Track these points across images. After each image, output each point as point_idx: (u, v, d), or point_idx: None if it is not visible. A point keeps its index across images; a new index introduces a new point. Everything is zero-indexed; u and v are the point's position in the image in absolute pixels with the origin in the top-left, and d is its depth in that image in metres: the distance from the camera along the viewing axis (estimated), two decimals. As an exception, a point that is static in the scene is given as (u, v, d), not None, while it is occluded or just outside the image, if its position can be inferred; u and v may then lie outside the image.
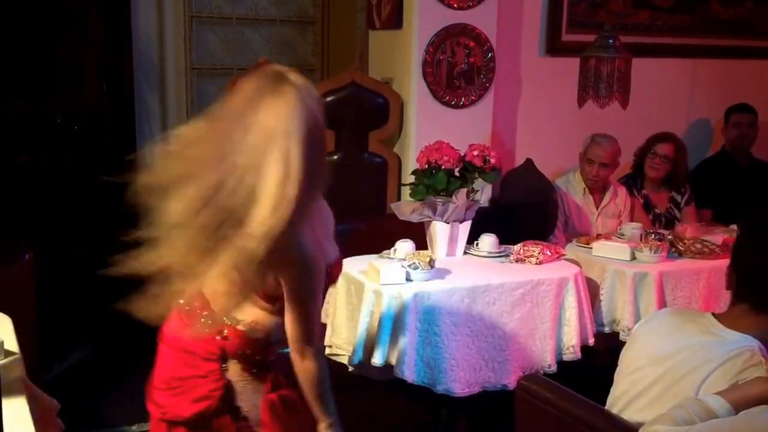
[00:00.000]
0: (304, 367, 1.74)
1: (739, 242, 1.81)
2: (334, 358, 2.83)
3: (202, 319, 1.78)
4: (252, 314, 1.76)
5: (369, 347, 2.70)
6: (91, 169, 3.96)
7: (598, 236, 3.44)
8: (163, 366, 1.92)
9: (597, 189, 3.83)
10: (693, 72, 4.43)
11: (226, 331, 1.78)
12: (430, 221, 3.06)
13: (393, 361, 2.67)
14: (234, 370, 1.82)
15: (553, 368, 2.88)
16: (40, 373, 2.76)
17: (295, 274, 1.66)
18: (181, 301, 1.78)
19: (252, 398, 1.83)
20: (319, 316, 1.77)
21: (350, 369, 2.79)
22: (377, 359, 2.66)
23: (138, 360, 3.80)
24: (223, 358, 1.81)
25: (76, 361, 3.67)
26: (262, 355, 1.83)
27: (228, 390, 1.81)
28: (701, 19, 4.37)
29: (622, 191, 3.89)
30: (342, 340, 2.82)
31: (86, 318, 3.79)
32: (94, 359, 3.76)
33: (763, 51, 4.54)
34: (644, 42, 4.18)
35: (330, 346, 2.86)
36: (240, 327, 1.77)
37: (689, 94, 4.46)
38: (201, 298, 1.78)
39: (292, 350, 1.74)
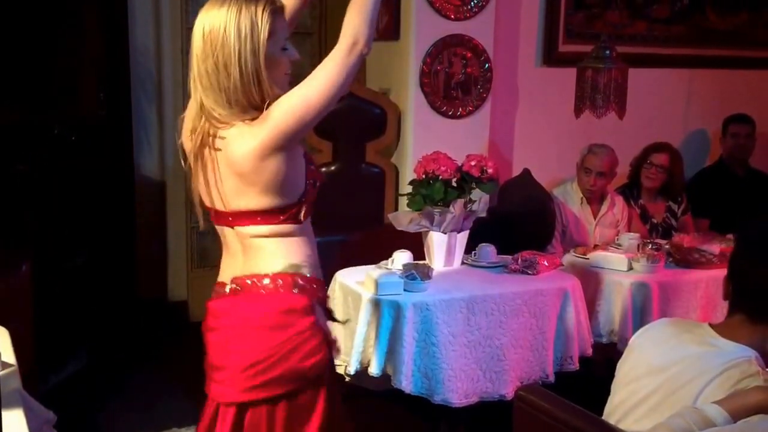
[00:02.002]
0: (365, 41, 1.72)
1: (736, 253, 1.81)
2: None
3: (267, 285, 1.79)
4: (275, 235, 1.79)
5: (366, 358, 2.70)
6: (89, 179, 3.96)
7: (596, 246, 3.45)
8: (239, 349, 1.81)
9: (594, 199, 3.83)
10: (689, 82, 4.44)
11: (299, 280, 1.80)
12: (428, 231, 3.06)
13: (390, 371, 2.67)
14: (320, 316, 1.84)
15: (551, 379, 2.88)
16: (36, 384, 2.75)
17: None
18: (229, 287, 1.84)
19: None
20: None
21: (347, 379, 2.78)
22: (374, 370, 2.66)
23: (134, 370, 3.84)
24: (310, 308, 1.80)
25: (72, 372, 3.66)
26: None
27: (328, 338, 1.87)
28: (697, 30, 4.39)
29: (620, 201, 3.89)
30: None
31: (82, 328, 3.78)
32: (90, 370, 3.75)
33: (759, 61, 4.56)
34: (641, 52, 4.19)
35: (327, 357, 2.86)
36: (303, 271, 1.81)
37: (686, 104, 4.48)
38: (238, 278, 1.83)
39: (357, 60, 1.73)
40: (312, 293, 1.82)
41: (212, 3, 1.75)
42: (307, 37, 4.74)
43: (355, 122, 3.74)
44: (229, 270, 1.88)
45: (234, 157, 1.74)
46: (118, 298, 4.18)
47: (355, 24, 1.71)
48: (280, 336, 1.77)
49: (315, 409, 1.82)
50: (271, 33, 1.72)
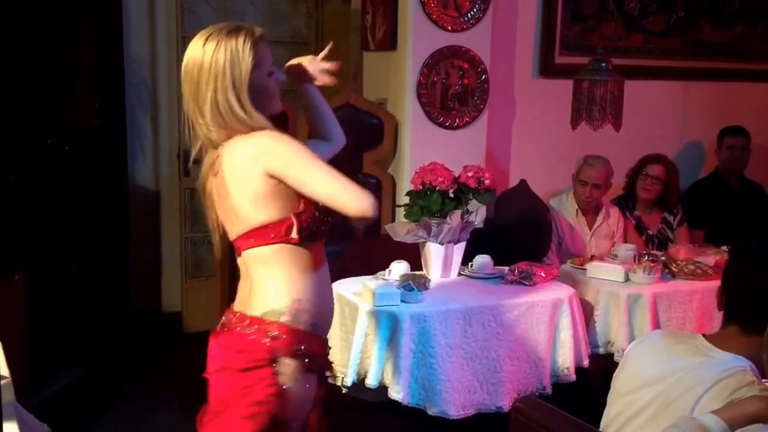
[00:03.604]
0: (364, 205, 1.69)
1: (729, 265, 1.83)
2: (327, 379, 2.80)
3: (243, 328, 1.77)
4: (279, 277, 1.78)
5: (363, 369, 2.68)
6: (83, 189, 3.94)
7: (592, 257, 3.44)
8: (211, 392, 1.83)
9: (590, 210, 3.83)
10: (685, 94, 4.46)
11: (274, 331, 1.75)
12: (425, 242, 3.05)
13: (387, 382, 2.65)
14: (289, 371, 1.76)
15: (548, 390, 2.87)
16: (29, 396, 2.72)
17: (284, 154, 1.72)
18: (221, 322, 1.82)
19: (303, 402, 1.80)
20: (338, 176, 1.72)
21: (344, 391, 2.76)
22: (371, 381, 2.64)
23: (128, 382, 3.81)
24: (274, 360, 1.75)
25: (66, 384, 3.63)
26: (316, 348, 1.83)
27: (284, 394, 1.76)
28: (692, 43, 4.42)
29: (615, 212, 3.90)
30: (336, 361, 2.79)
31: (76, 339, 3.75)
32: (83, 381, 3.72)
33: (753, 73, 4.58)
34: (636, 65, 4.21)
35: (323, 368, 2.84)
36: (283, 319, 1.76)
37: (681, 116, 4.49)
38: (232, 311, 1.83)
39: (343, 211, 1.70)
40: (286, 345, 1.76)
41: (197, 38, 1.80)
42: (303, 47, 4.75)
43: (352, 132, 3.68)
44: (237, 300, 1.87)
45: (232, 168, 1.75)
46: (111, 308, 4.16)
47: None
48: (234, 384, 1.76)
49: None
50: (257, 64, 1.77)
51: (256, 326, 1.76)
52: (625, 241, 3.76)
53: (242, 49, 1.74)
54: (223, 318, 1.87)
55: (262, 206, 1.75)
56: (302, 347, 1.77)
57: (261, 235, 1.76)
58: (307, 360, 1.78)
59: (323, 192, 1.71)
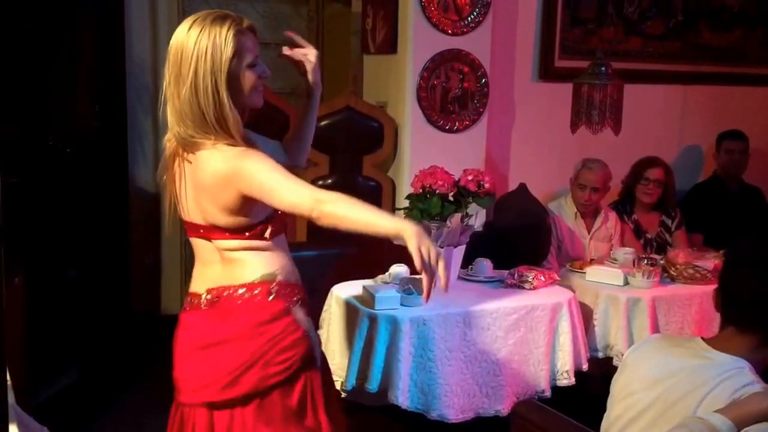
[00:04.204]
0: (330, 211, 1.68)
1: (725, 266, 1.84)
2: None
3: (243, 295, 1.85)
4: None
5: (363, 373, 2.68)
6: (83, 191, 3.94)
7: (592, 261, 3.45)
8: (216, 361, 1.87)
9: (588, 213, 3.84)
10: (684, 98, 4.47)
11: (274, 287, 1.86)
12: (424, 246, 3.05)
13: (387, 386, 2.65)
14: (300, 316, 1.90)
15: (547, 394, 2.86)
16: (28, 398, 2.72)
17: (255, 176, 1.74)
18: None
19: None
20: (300, 182, 1.74)
21: (343, 395, 2.76)
22: (371, 385, 2.64)
23: (127, 385, 3.80)
24: (287, 310, 1.87)
25: (65, 386, 3.63)
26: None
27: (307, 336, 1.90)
28: (691, 47, 4.43)
29: (613, 216, 3.90)
30: (335, 365, 2.79)
31: (75, 342, 3.75)
32: (82, 384, 3.71)
33: (752, 78, 4.59)
34: (635, 68, 4.22)
35: (323, 371, 2.84)
36: (279, 278, 1.87)
37: (680, 120, 4.50)
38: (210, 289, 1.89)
39: (308, 215, 1.71)
40: (287, 296, 1.88)
41: (182, 25, 1.82)
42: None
43: (352, 135, 3.74)
44: (202, 280, 1.91)
45: (201, 175, 1.79)
46: (111, 310, 4.15)
47: (335, 210, 1.69)
48: (256, 343, 1.83)
49: (292, 403, 1.86)
50: (237, 52, 1.78)
51: (257, 290, 1.85)
52: (623, 245, 3.77)
53: (225, 35, 1.76)
54: (192, 298, 1.91)
55: (236, 215, 1.81)
56: (301, 296, 1.93)
57: (235, 233, 1.84)
58: (304, 306, 1.93)
59: (288, 204, 1.74)
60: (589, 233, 3.83)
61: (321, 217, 1.68)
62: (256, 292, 1.84)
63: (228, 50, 1.76)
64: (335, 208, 1.68)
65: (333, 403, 2.00)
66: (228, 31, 1.77)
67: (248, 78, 1.82)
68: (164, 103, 1.84)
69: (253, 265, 1.86)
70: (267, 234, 1.86)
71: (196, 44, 1.76)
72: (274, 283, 1.86)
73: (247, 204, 1.79)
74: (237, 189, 1.75)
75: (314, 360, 1.92)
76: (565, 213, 3.84)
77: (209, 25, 1.77)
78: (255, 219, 1.84)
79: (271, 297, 1.85)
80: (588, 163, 3.77)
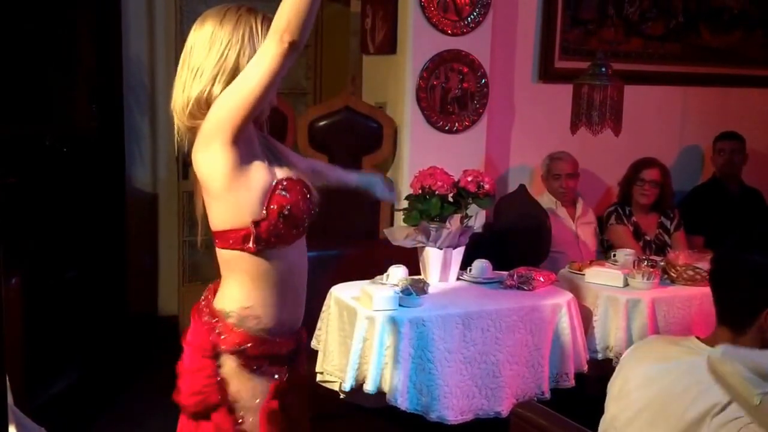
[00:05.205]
0: (289, 27, 1.58)
1: (719, 266, 1.85)
2: (325, 384, 2.80)
3: (203, 315, 1.78)
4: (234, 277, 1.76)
5: (361, 374, 2.67)
6: (80, 191, 3.93)
7: (591, 262, 3.44)
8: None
9: (568, 202, 3.96)
10: (684, 99, 4.47)
11: (219, 328, 1.74)
12: (424, 247, 3.04)
13: (385, 388, 2.64)
14: (230, 367, 1.75)
15: (547, 395, 2.86)
16: (26, 399, 2.71)
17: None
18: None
19: (250, 400, 1.76)
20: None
21: (342, 396, 2.75)
22: (369, 386, 2.63)
23: (125, 386, 3.79)
24: (217, 354, 1.75)
25: (62, 388, 3.62)
26: (262, 350, 1.76)
27: (222, 387, 1.75)
28: (691, 48, 4.43)
29: (585, 202, 4.03)
30: (334, 366, 2.79)
31: (73, 343, 3.74)
32: (80, 385, 3.70)
33: (752, 79, 4.59)
34: (635, 69, 4.22)
35: (321, 373, 2.83)
36: (230, 320, 1.74)
37: (680, 121, 4.50)
38: (211, 290, 1.83)
39: (284, 49, 1.60)
40: (224, 343, 1.74)
41: (211, 14, 1.76)
42: (303, 49, 4.74)
43: (352, 136, 3.73)
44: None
45: (198, 170, 1.73)
46: (108, 312, 4.14)
47: (283, 12, 1.61)
48: (189, 363, 1.80)
49: None
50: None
51: (212, 319, 1.76)
52: (621, 247, 3.76)
53: (260, 23, 1.73)
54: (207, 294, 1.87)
55: (222, 209, 1.72)
56: (245, 347, 1.75)
57: (222, 238, 1.74)
58: (250, 359, 1.76)
59: (261, 68, 1.63)
60: (574, 221, 3.94)
61: (294, 33, 1.59)
62: (208, 319, 1.76)
63: (264, 37, 1.69)
64: (293, 15, 1.59)
65: None
66: (264, 20, 1.73)
67: None
68: (175, 92, 1.79)
69: (224, 291, 1.77)
70: (250, 242, 1.69)
71: (234, 30, 1.70)
72: (222, 324, 1.74)
73: (230, 173, 1.67)
74: (212, 134, 1.66)
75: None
76: (550, 208, 3.90)
77: (245, 13, 1.73)
78: (240, 220, 1.70)
79: (212, 336, 1.74)
80: (555, 155, 3.94)
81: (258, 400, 1.77)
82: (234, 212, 1.70)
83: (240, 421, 1.75)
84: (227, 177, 1.67)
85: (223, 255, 1.76)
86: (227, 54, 1.70)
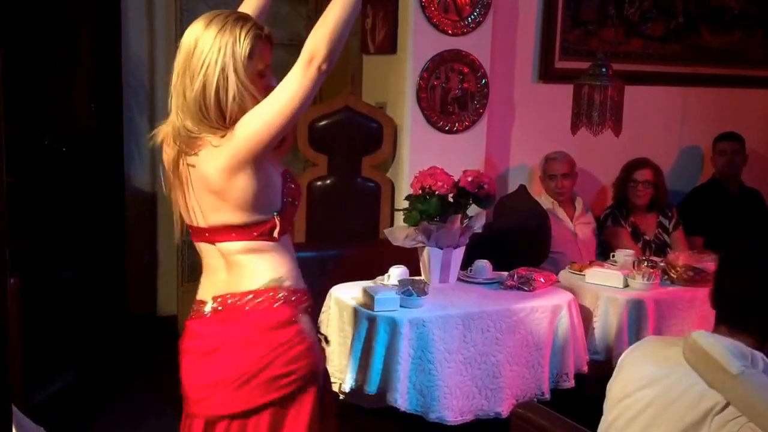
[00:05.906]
0: (324, 49, 1.67)
1: (718, 266, 1.84)
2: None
3: (250, 302, 1.81)
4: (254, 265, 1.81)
5: (361, 374, 2.67)
6: (79, 191, 3.92)
7: (591, 263, 3.44)
8: (224, 368, 1.82)
9: (566, 201, 3.96)
10: (684, 100, 4.46)
11: (281, 293, 1.81)
12: (424, 247, 3.04)
13: (385, 388, 2.64)
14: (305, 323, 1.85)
15: (547, 396, 2.85)
16: (25, 399, 2.70)
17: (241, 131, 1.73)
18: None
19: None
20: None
21: (342, 396, 2.74)
22: (370, 387, 2.63)
23: (123, 386, 3.78)
24: (294, 318, 1.82)
25: (60, 388, 3.61)
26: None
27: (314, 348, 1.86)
28: (692, 48, 4.43)
29: (585, 202, 4.02)
30: (334, 367, 2.78)
31: (71, 343, 3.73)
32: (78, 386, 3.70)
33: (752, 80, 4.58)
34: (636, 70, 4.22)
35: (321, 373, 2.82)
36: (286, 284, 1.83)
37: (680, 121, 4.49)
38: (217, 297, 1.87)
39: (316, 74, 1.68)
40: (295, 304, 1.83)
41: (200, 20, 1.80)
42: (300, 48, 4.73)
43: (352, 136, 3.73)
44: (209, 288, 1.87)
45: (206, 175, 1.77)
46: (107, 312, 4.14)
47: (315, 38, 1.69)
48: (264, 349, 1.78)
49: (301, 416, 1.81)
50: (250, 54, 1.76)
51: (262, 296, 1.80)
52: (620, 248, 3.76)
53: (245, 34, 1.75)
54: (198, 305, 1.87)
55: (245, 209, 1.78)
56: (307, 303, 1.88)
57: (243, 233, 1.80)
58: (311, 315, 1.89)
59: (292, 91, 1.71)
60: (572, 220, 3.93)
61: (323, 59, 1.67)
62: (261, 299, 1.80)
63: (246, 49, 1.74)
64: (324, 41, 1.67)
65: (327, 417, 1.93)
66: (249, 31, 1.76)
67: (251, 82, 1.78)
68: (170, 97, 1.82)
69: (259, 269, 1.82)
70: (276, 233, 1.80)
71: (216, 38, 1.74)
72: (282, 289, 1.82)
73: (260, 185, 1.75)
74: (243, 158, 1.72)
75: (315, 379, 1.85)
76: (547, 208, 3.88)
77: (232, 22, 1.76)
78: (264, 214, 1.79)
79: (277, 304, 1.80)
80: (550, 156, 3.94)
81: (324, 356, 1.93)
82: (258, 208, 1.79)
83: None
84: (257, 188, 1.76)
85: (241, 245, 1.81)
86: (208, 61, 1.74)
